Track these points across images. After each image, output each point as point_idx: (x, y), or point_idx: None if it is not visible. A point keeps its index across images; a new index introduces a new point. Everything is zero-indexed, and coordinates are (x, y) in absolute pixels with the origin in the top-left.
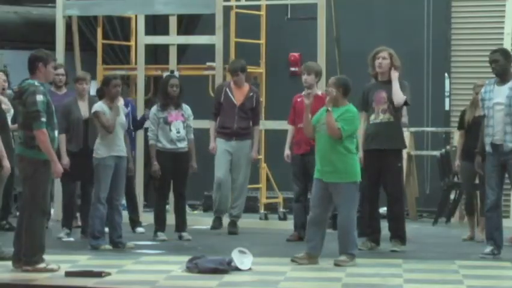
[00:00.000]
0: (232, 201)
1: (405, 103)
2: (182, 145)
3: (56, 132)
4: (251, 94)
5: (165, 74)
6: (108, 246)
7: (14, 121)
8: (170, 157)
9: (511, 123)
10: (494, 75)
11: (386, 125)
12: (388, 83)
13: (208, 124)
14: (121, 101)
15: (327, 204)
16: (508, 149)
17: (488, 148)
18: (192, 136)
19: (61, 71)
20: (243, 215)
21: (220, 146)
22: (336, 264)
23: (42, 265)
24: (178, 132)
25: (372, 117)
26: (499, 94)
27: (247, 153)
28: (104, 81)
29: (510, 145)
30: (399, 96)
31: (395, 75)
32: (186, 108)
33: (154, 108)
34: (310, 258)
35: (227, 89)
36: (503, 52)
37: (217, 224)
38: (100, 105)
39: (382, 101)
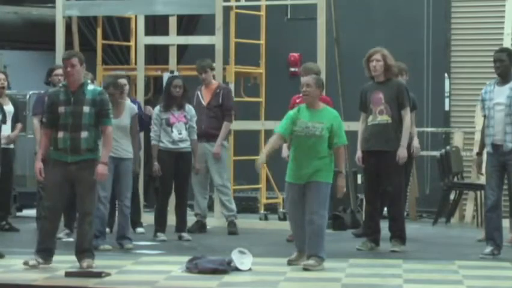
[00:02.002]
0: (221, 203)
1: (413, 107)
2: (185, 145)
3: (59, 133)
4: (218, 91)
5: (165, 74)
6: (108, 246)
7: (13, 122)
8: (173, 156)
9: (511, 123)
10: (493, 76)
11: (384, 126)
12: (384, 83)
13: None
14: (127, 101)
15: (303, 206)
16: (508, 149)
17: (488, 148)
18: (194, 137)
19: (59, 71)
20: (243, 216)
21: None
22: (305, 269)
23: (31, 261)
24: (180, 133)
25: (370, 118)
26: (499, 94)
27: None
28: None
29: (510, 145)
30: (409, 131)
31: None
32: (189, 109)
33: (156, 109)
34: (303, 256)
35: (198, 92)
36: (510, 53)
37: (194, 227)
38: None
39: (379, 102)
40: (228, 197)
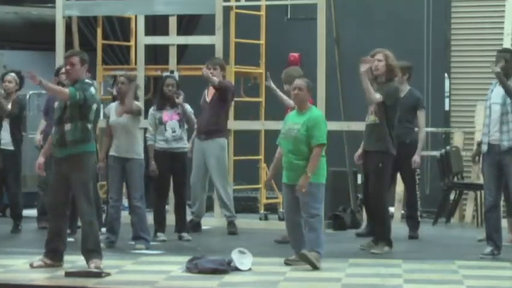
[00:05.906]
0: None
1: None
2: (180, 145)
3: (53, 129)
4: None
5: (165, 74)
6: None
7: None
8: (168, 157)
9: (506, 123)
10: (493, 76)
11: (372, 126)
12: (383, 84)
13: None
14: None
15: (297, 207)
16: (504, 149)
17: (484, 148)
18: (194, 121)
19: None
20: (243, 216)
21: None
22: (301, 256)
23: (36, 263)
24: (174, 131)
25: (366, 118)
26: (496, 94)
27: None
28: None
29: (506, 144)
30: (369, 96)
31: (363, 72)
32: (186, 107)
33: (151, 109)
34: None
35: (206, 91)
36: None
37: (188, 226)
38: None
39: None
40: (230, 197)
